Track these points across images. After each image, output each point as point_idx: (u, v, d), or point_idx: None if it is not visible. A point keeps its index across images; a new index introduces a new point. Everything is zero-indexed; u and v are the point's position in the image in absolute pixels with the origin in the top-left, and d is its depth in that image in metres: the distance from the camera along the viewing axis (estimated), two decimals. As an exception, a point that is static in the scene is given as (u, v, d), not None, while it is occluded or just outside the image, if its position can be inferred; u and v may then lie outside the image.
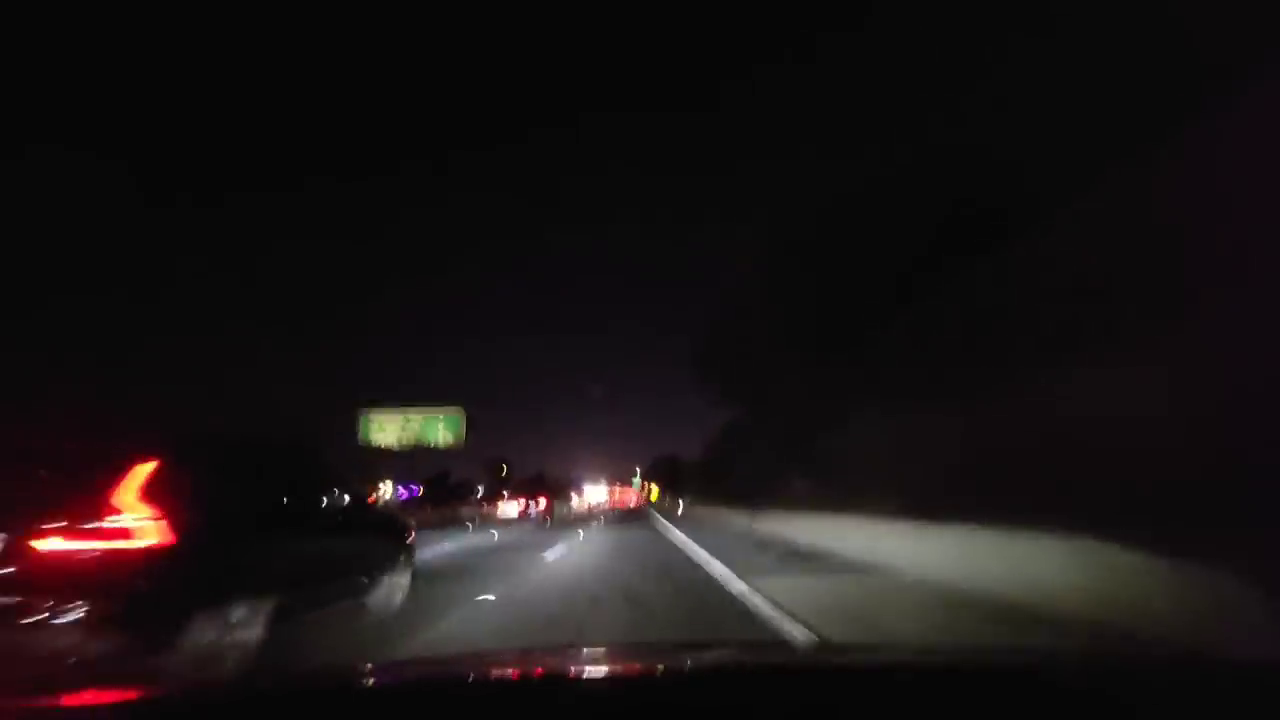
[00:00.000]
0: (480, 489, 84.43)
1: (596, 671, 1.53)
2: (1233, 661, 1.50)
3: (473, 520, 31.12)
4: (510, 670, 1.56)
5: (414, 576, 6.61)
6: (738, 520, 18.48)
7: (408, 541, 6.59)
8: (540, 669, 1.56)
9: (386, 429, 32.68)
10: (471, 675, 1.44)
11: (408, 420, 32.94)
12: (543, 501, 42.66)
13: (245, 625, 3.77)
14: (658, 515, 29.12)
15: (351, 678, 1.50)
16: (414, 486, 44.18)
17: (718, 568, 9.04)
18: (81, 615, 3.12)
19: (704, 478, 37.82)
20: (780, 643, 4.32)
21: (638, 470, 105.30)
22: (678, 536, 16.15)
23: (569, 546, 14.25)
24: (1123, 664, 1.59)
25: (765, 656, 1.96)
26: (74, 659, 3.09)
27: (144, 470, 3.42)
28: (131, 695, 1.27)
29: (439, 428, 32.99)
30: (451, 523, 28.65)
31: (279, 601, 4.07)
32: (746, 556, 10.19)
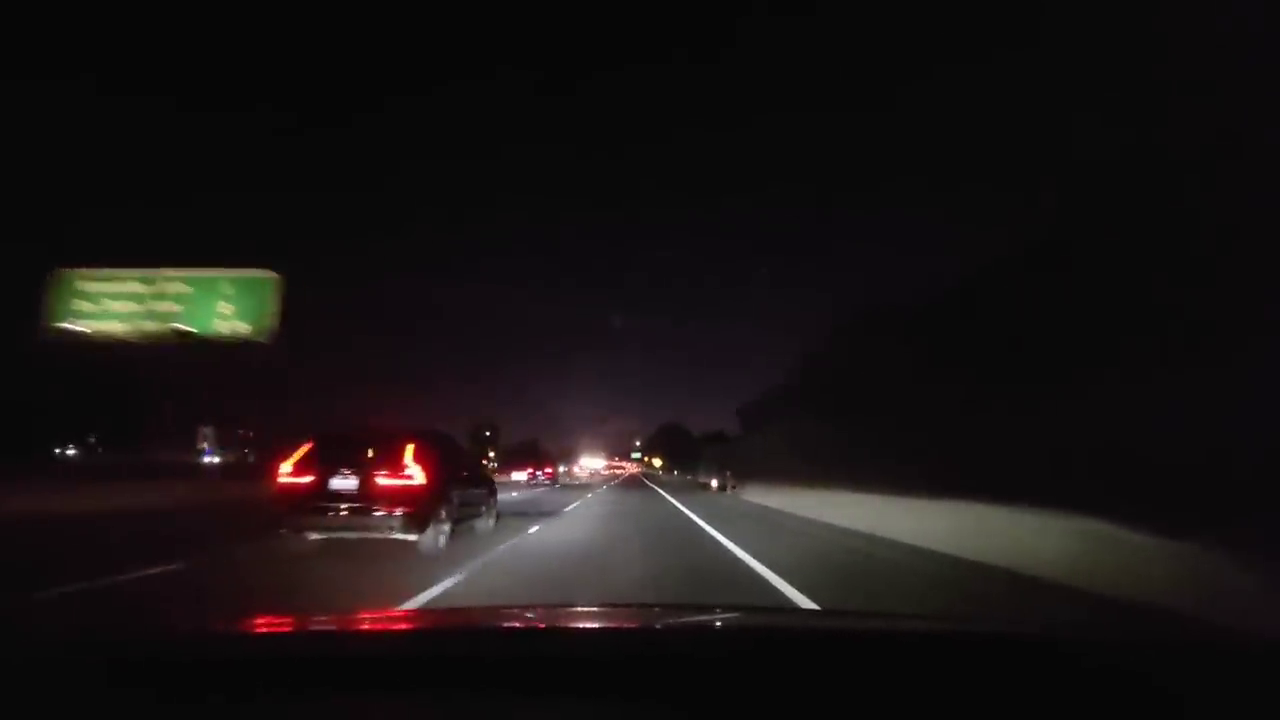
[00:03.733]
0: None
1: (601, 632, 1.51)
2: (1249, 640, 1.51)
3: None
4: (516, 627, 1.54)
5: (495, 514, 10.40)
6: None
7: (495, 489, 10.35)
8: (544, 626, 1.57)
9: (109, 306, 18.24)
10: (482, 629, 1.47)
11: (157, 290, 18.36)
12: (548, 469, 47.45)
13: (445, 527, 7.47)
14: (681, 505, 17.92)
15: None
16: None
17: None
18: (386, 511, 6.82)
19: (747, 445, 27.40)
20: (785, 607, 4.52)
21: (637, 443, 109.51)
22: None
23: (583, 502, 18.21)
24: (1132, 636, 1.58)
25: (770, 620, 1.97)
26: (386, 534, 6.80)
27: (413, 445, 7.12)
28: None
29: (218, 303, 18.29)
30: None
31: (454, 519, 7.80)
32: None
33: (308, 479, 6.88)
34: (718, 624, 1.59)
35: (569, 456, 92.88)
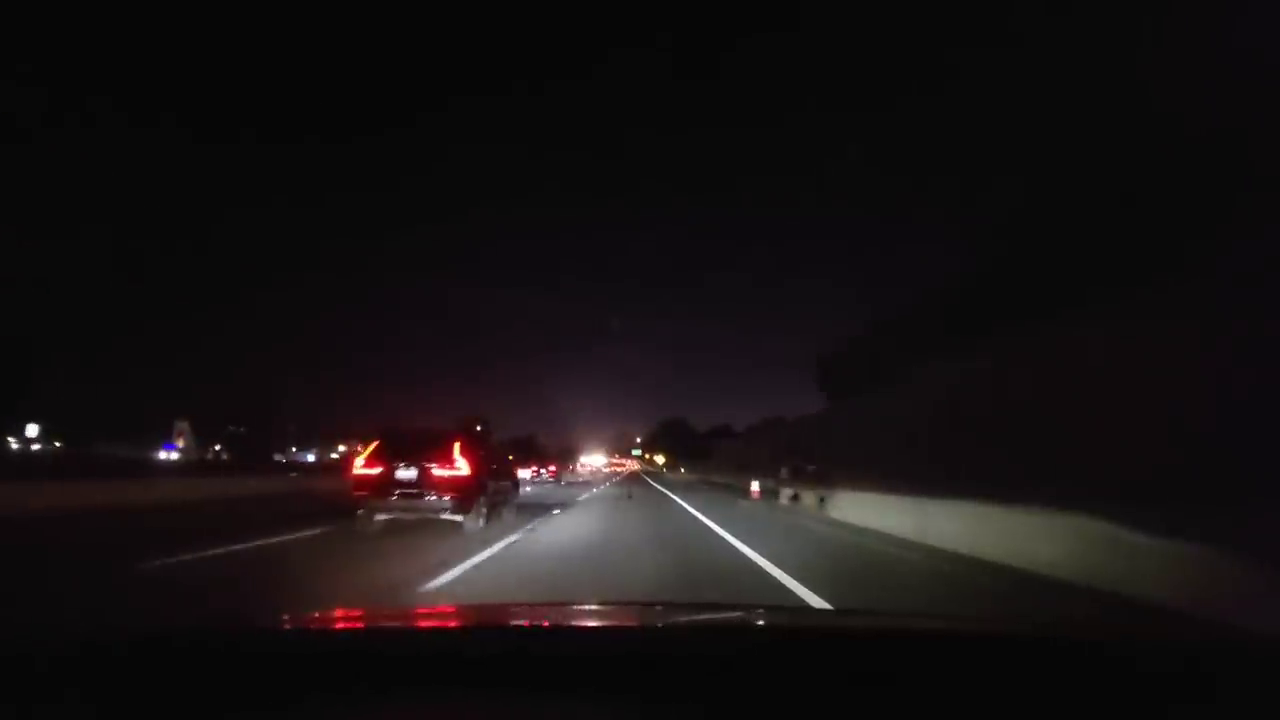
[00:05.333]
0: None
1: (614, 629, 1.53)
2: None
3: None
4: (525, 624, 1.54)
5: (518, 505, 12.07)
6: None
7: (518, 483, 12.03)
8: (554, 623, 1.58)
9: None
10: (502, 627, 1.48)
11: None
12: (551, 467, 49.41)
13: (483, 511, 9.11)
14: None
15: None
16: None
17: None
18: (439, 497, 8.45)
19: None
20: (799, 607, 4.63)
21: (638, 439, 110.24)
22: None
23: (590, 496, 19.90)
24: (1140, 636, 1.58)
25: (785, 619, 2.00)
26: (439, 514, 8.42)
27: (459, 442, 8.76)
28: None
29: None
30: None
31: (489, 505, 9.43)
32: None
33: (377, 470, 8.53)
34: (736, 622, 1.60)
35: (568, 453, 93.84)
